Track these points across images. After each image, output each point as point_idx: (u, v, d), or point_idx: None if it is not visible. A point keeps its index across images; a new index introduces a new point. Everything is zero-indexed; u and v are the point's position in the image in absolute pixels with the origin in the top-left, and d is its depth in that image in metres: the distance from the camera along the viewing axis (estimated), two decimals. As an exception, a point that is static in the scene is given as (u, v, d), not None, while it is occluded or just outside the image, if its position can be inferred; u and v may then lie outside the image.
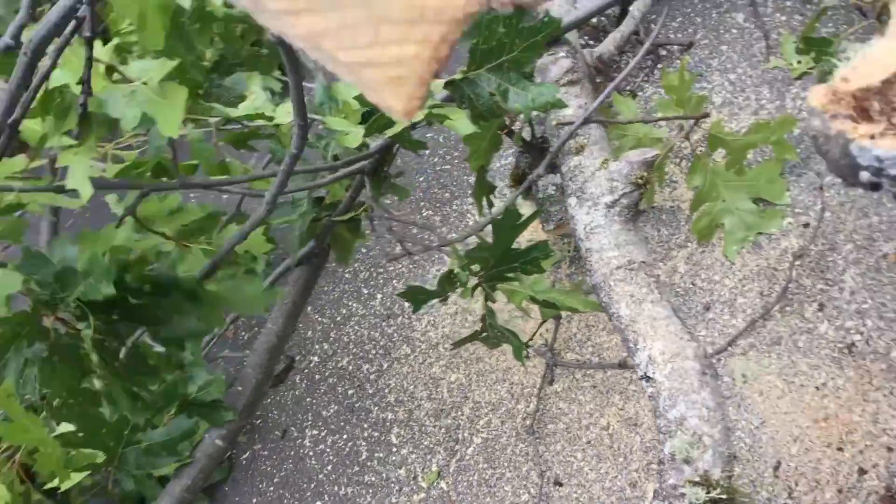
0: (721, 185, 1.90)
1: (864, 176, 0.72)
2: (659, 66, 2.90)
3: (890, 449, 1.86)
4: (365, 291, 3.12)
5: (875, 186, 0.72)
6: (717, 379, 1.65)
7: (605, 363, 2.34)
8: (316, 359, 3.08)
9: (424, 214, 3.10)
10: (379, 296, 3.08)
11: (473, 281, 1.75)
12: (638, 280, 1.62)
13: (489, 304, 1.85)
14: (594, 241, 1.65)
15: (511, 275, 1.76)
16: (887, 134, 0.73)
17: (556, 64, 1.69)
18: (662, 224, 2.51)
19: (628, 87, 2.95)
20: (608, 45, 2.33)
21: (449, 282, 1.76)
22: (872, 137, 0.73)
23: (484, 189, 1.99)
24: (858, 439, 1.93)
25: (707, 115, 1.95)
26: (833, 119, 0.78)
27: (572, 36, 1.85)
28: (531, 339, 2.30)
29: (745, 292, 2.26)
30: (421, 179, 3.25)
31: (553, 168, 1.74)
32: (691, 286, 2.35)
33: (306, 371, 3.09)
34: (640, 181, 1.59)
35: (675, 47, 2.91)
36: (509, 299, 1.84)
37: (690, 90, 1.88)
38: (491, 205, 2.12)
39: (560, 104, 1.60)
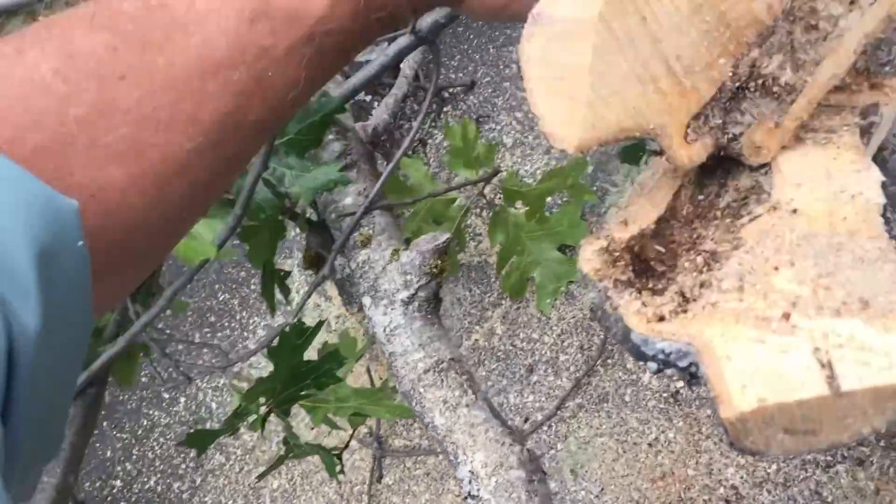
0: (524, 236, 1.78)
1: (652, 366, 0.59)
2: (445, 108, 2.79)
3: (727, 501, 1.83)
4: (166, 396, 2.76)
5: (667, 365, 0.59)
6: (546, 482, 1.52)
7: (434, 448, 2.19)
8: (119, 483, 2.68)
9: (221, 298, 2.80)
10: (182, 399, 2.73)
11: (263, 409, 1.54)
12: (449, 382, 1.46)
13: (289, 422, 1.63)
14: (396, 343, 1.47)
15: (306, 393, 1.56)
16: (678, 314, 0.59)
17: (324, 150, 1.50)
18: (473, 282, 2.39)
19: (417, 136, 2.82)
20: (381, 113, 2.09)
21: (237, 416, 1.53)
22: (662, 319, 0.59)
23: (272, 286, 1.77)
24: (696, 495, 1.87)
25: (497, 173, 1.83)
26: (612, 289, 0.64)
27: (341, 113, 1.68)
28: (347, 445, 2.07)
29: (566, 348, 2.19)
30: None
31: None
32: (511, 348, 2.25)
33: (109, 499, 2.71)
34: (435, 270, 1.44)
35: (459, 88, 2.82)
36: (310, 417, 1.63)
37: (476, 149, 1.76)
38: (288, 292, 1.91)
39: (344, 180, 1.43)
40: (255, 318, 2.53)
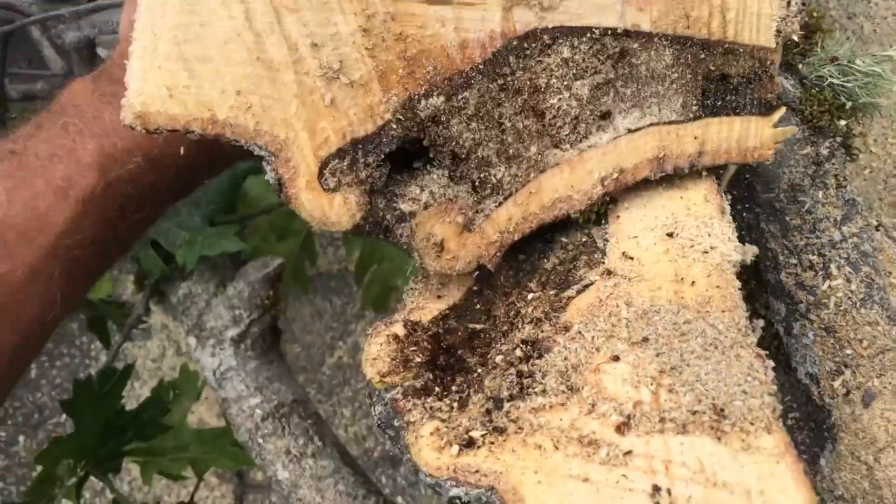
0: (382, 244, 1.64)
1: None
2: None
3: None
4: (2, 434, 2.48)
5: None
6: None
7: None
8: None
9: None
10: (21, 438, 2.46)
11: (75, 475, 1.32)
12: (292, 428, 1.28)
13: (112, 484, 1.42)
14: (229, 388, 1.28)
15: (130, 447, 1.36)
16: (491, 435, 0.42)
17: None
18: (333, 293, 2.15)
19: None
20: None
21: (42, 483, 1.31)
22: (470, 444, 0.42)
23: (102, 323, 1.55)
24: None
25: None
26: (403, 400, 0.46)
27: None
28: (192, 499, 1.81)
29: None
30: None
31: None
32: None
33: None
34: (267, 301, 1.26)
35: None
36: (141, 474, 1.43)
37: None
38: (122, 326, 1.69)
39: (238, 247, 1.26)
40: (98, 343, 2.28)
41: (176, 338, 2.19)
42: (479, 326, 0.51)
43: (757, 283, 0.98)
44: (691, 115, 0.55)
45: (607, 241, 0.53)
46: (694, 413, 0.40)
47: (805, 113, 0.84)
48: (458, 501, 0.40)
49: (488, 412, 0.43)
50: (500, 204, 0.53)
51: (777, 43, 0.59)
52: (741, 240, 0.79)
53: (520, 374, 0.45)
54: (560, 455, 0.40)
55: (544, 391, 0.43)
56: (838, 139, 0.84)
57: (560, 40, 0.49)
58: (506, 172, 0.52)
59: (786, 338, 0.86)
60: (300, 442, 1.24)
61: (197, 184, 0.64)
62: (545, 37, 0.49)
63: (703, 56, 0.53)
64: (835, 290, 0.82)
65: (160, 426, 1.25)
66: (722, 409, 0.40)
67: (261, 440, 1.24)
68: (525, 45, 0.49)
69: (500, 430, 0.42)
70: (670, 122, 0.55)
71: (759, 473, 0.37)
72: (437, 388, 0.46)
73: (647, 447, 0.39)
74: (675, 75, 0.53)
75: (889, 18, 1.41)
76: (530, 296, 0.52)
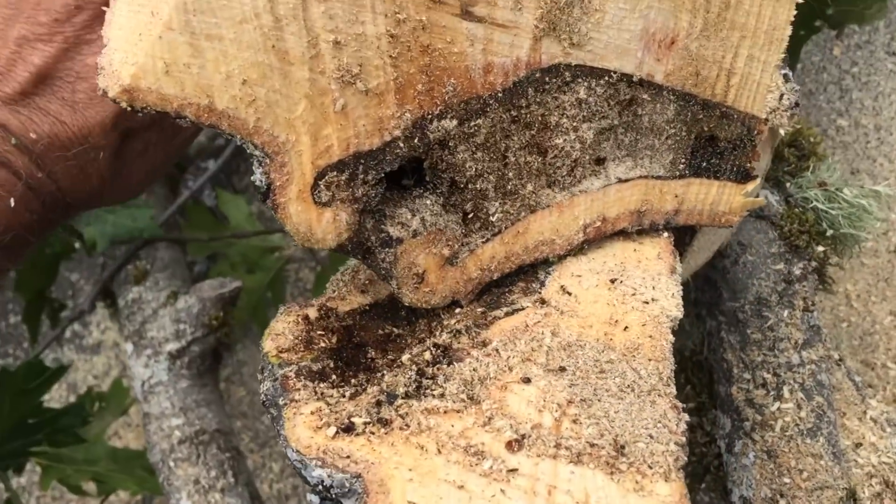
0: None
1: (314, 500, 0.40)
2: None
3: None
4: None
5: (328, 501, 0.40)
6: None
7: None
8: None
9: (12, 322, 2.46)
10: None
11: None
12: (208, 458, 1.23)
13: (9, 482, 1.35)
14: (154, 403, 1.22)
15: (37, 448, 1.30)
16: (373, 426, 0.39)
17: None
18: None
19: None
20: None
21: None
22: (349, 430, 0.39)
23: (38, 314, 1.51)
24: None
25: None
26: (293, 379, 0.42)
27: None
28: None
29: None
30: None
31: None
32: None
33: None
34: (215, 322, 1.23)
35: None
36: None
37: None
38: (56, 324, 1.64)
39: (157, 233, 1.22)
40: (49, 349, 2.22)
41: (124, 358, 2.13)
42: (396, 329, 0.48)
43: (709, 397, 0.95)
44: (677, 173, 0.54)
45: (549, 274, 0.52)
46: (592, 446, 0.38)
47: (784, 230, 0.83)
48: (320, 486, 0.37)
49: (378, 404, 0.40)
50: (487, 240, 0.50)
51: (766, 122, 0.60)
52: (701, 344, 0.77)
53: (420, 374, 0.42)
54: (441, 459, 0.37)
55: (443, 395, 0.41)
56: (813, 263, 0.83)
57: (580, 79, 0.47)
58: (499, 208, 0.50)
59: (726, 455, 0.83)
60: (212, 474, 1.18)
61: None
62: (567, 73, 0.47)
63: (701, 115, 0.52)
64: (783, 414, 0.80)
65: (75, 435, 1.19)
66: (622, 447, 0.37)
67: (172, 463, 1.18)
68: (546, 78, 0.46)
69: (385, 423, 0.39)
70: (657, 177, 0.54)
71: None
72: (333, 377, 0.43)
73: (535, 469, 0.37)
74: (673, 131, 0.53)
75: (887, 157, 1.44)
76: (457, 309, 0.50)
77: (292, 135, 0.40)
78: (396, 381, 0.42)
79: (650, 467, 0.36)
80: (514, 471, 0.36)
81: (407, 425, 0.39)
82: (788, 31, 0.52)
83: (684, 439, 0.38)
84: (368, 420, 0.39)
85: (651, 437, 0.38)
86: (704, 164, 0.54)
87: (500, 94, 0.45)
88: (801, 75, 1.61)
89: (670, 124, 0.52)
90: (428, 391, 0.41)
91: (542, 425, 0.39)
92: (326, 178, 0.42)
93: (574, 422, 0.39)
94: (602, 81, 0.48)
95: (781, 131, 0.64)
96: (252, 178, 0.41)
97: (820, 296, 1.40)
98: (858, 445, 0.84)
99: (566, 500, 0.35)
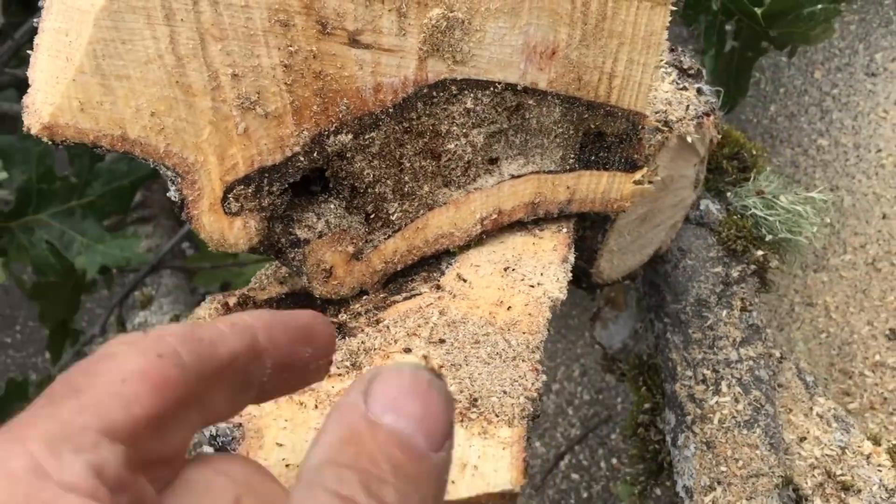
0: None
1: (209, 450, 0.45)
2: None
3: None
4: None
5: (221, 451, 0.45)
6: None
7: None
8: None
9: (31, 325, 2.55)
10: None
11: None
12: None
13: None
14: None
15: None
16: None
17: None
18: None
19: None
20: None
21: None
22: None
23: (61, 344, 1.59)
24: None
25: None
26: None
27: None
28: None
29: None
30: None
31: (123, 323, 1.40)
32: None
33: None
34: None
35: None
36: None
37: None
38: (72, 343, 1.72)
39: (144, 259, 1.28)
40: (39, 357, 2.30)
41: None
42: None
43: (662, 397, 0.99)
44: (567, 167, 0.58)
45: (451, 264, 0.57)
46: None
47: (722, 235, 0.88)
48: (210, 436, 0.43)
49: None
50: (389, 237, 0.54)
51: (668, 131, 0.64)
52: (655, 347, 0.82)
53: None
54: (316, 412, 0.43)
55: (334, 365, 0.47)
56: (752, 266, 0.88)
57: (466, 91, 0.51)
58: (398, 208, 0.54)
59: (671, 448, 0.87)
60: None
61: None
62: (453, 87, 0.51)
63: (586, 115, 0.56)
64: (721, 407, 0.83)
65: None
66: (476, 401, 0.43)
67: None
68: (434, 93, 0.50)
69: None
70: (549, 172, 0.58)
71: (483, 453, 0.39)
72: None
73: None
74: (560, 130, 0.56)
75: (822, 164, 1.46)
76: (364, 297, 0.56)
77: (200, 156, 0.45)
78: None
79: (497, 416, 0.42)
80: None
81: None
82: (664, 35, 0.55)
83: (536, 395, 0.43)
84: None
85: (504, 392, 0.43)
86: (593, 157, 0.59)
87: (391, 110, 0.49)
88: (783, 98, 1.65)
89: (557, 124, 0.56)
90: None
91: None
92: (234, 191, 0.47)
93: None
94: (488, 92, 0.53)
95: (689, 139, 0.70)
96: (168, 193, 0.46)
97: (799, 308, 1.43)
98: (803, 439, 0.87)
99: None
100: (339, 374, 0.45)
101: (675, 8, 0.56)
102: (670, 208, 0.80)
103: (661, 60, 0.58)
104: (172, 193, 0.46)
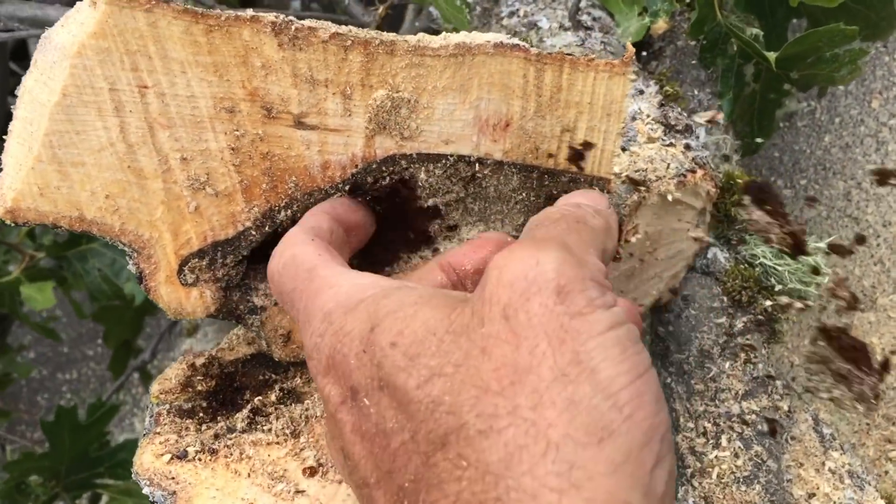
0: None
1: None
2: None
3: None
4: None
5: None
6: None
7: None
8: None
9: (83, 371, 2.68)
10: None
11: (47, 491, 1.41)
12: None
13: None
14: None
15: (101, 481, 1.44)
16: (205, 453, 0.48)
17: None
18: None
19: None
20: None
21: (20, 493, 1.41)
22: (178, 458, 0.47)
23: (124, 362, 1.68)
24: None
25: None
26: (164, 416, 0.50)
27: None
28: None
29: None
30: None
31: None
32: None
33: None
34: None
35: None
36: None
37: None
38: (149, 380, 1.81)
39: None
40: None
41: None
42: (274, 375, 0.56)
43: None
44: None
45: None
46: None
47: (727, 285, 0.86)
48: (150, 498, 0.46)
49: (217, 436, 0.49)
50: None
51: (645, 191, 0.64)
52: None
53: (254, 412, 0.50)
54: (248, 482, 0.45)
55: (270, 430, 0.49)
56: (759, 317, 0.86)
57: (416, 165, 0.52)
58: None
59: (672, 502, 0.85)
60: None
61: None
62: (403, 162, 0.51)
63: (547, 182, 0.56)
64: (720, 461, 0.82)
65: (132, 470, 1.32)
66: None
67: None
68: (383, 167, 0.51)
69: (213, 452, 0.47)
70: (512, 237, 0.59)
71: None
72: (201, 414, 0.52)
73: (321, 492, 0.44)
74: (520, 197, 0.56)
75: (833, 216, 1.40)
76: None
77: (155, 232, 0.48)
78: (237, 418, 0.50)
79: None
80: (301, 492, 0.43)
81: (231, 454, 0.46)
82: (626, 103, 0.55)
83: None
84: (200, 449, 0.47)
85: None
86: None
87: (340, 185, 0.51)
88: (838, 128, 1.59)
89: (516, 192, 0.56)
90: (259, 426, 0.49)
91: None
92: (189, 264, 0.49)
93: None
94: (440, 164, 0.53)
95: (669, 196, 0.69)
96: (127, 266, 0.50)
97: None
98: (812, 496, 0.85)
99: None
100: (278, 443, 0.47)
101: (633, 77, 0.56)
102: (666, 260, 0.79)
103: (624, 127, 0.57)
104: (131, 266, 0.49)
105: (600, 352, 0.32)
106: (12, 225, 0.45)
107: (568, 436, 0.30)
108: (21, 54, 1.64)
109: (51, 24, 0.46)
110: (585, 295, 0.33)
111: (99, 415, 1.23)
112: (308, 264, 0.41)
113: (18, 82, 0.45)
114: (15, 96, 0.46)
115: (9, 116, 0.46)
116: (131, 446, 1.30)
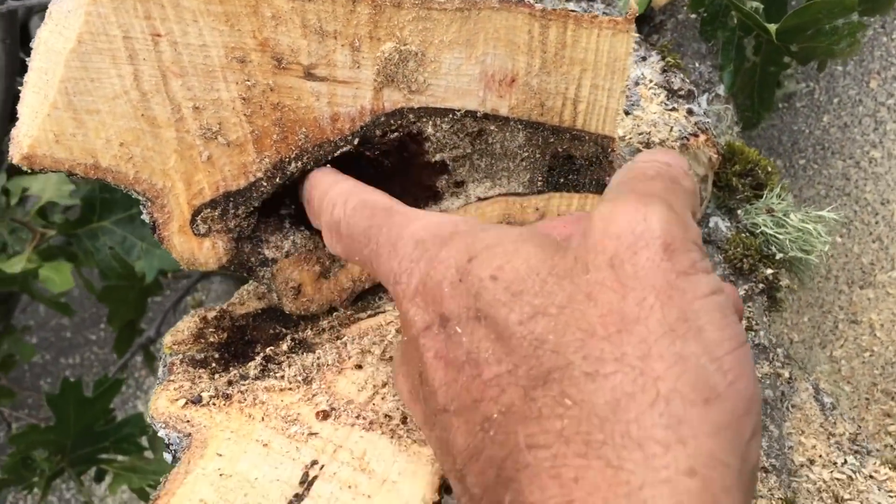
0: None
1: (167, 457, 0.49)
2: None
3: None
4: None
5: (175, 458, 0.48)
6: None
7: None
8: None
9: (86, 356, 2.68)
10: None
11: (52, 466, 1.42)
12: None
13: (84, 487, 1.50)
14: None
15: (106, 456, 1.45)
16: (219, 399, 0.48)
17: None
18: None
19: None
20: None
21: (26, 468, 1.42)
22: (193, 403, 0.48)
23: (128, 343, 1.68)
24: None
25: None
26: (178, 366, 0.51)
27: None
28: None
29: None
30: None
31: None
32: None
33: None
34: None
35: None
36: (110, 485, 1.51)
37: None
38: (154, 365, 1.81)
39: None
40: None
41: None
42: (284, 329, 0.57)
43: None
44: (536, 189, 0.58)
45: None
46: (387, 416, 0.45)
47: (728, 253, 0.87)
48: (166, 444, 0.47)
49: (230, 383, 0.49)
50: None
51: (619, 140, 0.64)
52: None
53: (266, 360, 0.51)
54: (262, 425, 0.45)
55: (282, 377, 0.49)
56: (760, 285, 0.87)
57: (424, 119, 0.52)
58: None
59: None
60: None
61: None
62: (410, 115, 0.52)
63: (552, 139, 0.56)
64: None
65: (137, 445, 1.33)
66: (405, 418, 0.45)
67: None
68: (391, 121, 0.52)
69: (227, 397, 0.48)
70: (517, 194, 0.58)
71: (403, 469, 0.41)
72: (213, 364, 0.52)
73: (333, 433, 0.44)
74: (526, 154, 0.57)
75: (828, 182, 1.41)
76: (334, 312, 0.58)
77: (168, 182, 0.48)
78: (250, 366, 0.51)
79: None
80: (314, 434, 0.44)
81: (244, 399, 0.47)
82: (629, 60, 0.55)
83: None
84: (214, 394, 0.48)
85: None
86: (563, 180, 0.59)
87: (349, 137, 0.51)
88: (837, 108, 1.60)
89: (522, 148, 0.57)
90: (271, 373, 0.49)
91: (354, 401, 0.46)
92: (202, 214, 0.50)
93: (382, 398, 0.46)
94: (447, 119, 0.54)
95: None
96: (141, 216, 0.50)
97: (843, 326, 1.39)
98: (812, 462, 0.86)
99: (345, 456, 0.43)
100: (290, 389, 0.48)
101: (637, 35, 0.57)
102: (668, 227, 0.80)
103: (627, 85, 0.58)
104: (145, 216, 0.49)
105: (705, 314, 0.32)
106: (29, 171, 0.45)
107: (676, 391, 0.30)
108: (23, 39, 1.64)
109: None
110: (689, 256, 0.33)
111: (104, 389, 1.24)
112: (383, 204, 0.43)
113: (23, 65, 0.45)
114: (22, 77, 0.47)
115: (17, 97, 0.47)
116: (136, 420, 1.31)
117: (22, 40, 1.49)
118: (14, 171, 1.42)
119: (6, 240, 1.30)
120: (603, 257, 0.33)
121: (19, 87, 0.46)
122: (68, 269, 1.29)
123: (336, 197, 0.45)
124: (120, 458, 1.36)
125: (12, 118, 0.47)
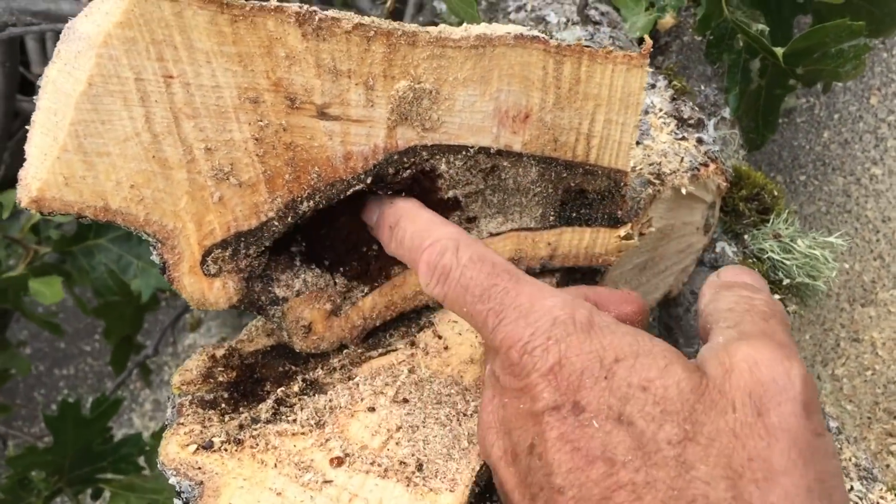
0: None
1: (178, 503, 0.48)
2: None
3: None
4: None
5: None
6: None
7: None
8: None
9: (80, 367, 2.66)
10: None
11: (50, 486, 1.40)
12: None
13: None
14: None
15: (103, 476, 1.44)
16: (230, 444, 0.47)
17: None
18: None
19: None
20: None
21: (23, 489, 1.40)
22: (204, 448, 0.47)
23: (125, 356, 1.67)
24: None
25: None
26: (186, 406, 0.50)
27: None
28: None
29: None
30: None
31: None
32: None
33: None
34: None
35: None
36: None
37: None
38: (148, 374, 1.80)
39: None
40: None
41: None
42: (294, 367, 0.56)
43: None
44: (548, 224, 0.58)
45: (430, 319, 0.58)
46: (402, 463, 0.44)
47: (735, 279, 0.86)
48: (177, 491, 0.46)
49: (241, 427, 0.49)
50: (367, 294, 0.55)
51: (660, 184, 0.64)
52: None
53: (278, 402, 0.50)
54: (274, 472, 0.45)
55: (295, 420, 0.48)
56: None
57: (437, 156, 0.52)
58: (375, 266, 0.55)
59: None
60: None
61: None
62: (424, 153, 0.51)
63: (565, 174, 0.56)
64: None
65: (135, 464, 1.32)
66: (421, 465, 0.44)
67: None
68: (405, 159, 0.51)
69: (238, 442, 0.47)
70: (529, 229, 0.57)
71: None
72: (223, 405, 0.52)
73: (348, 481, 0.44)
74: (538, 189, 0.56)
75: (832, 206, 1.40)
76: (345, 350, 0.57)
77: (179, 223, 0.47)
78: (261, 409, 0.50)
79: (441, 482, 0.43)
80: (328, 482, 0.43)
81: (256, 444, 0.46)
82: (642, 95, 0.55)
83: (482, 461, 0.44)
84: (226, 439, 0.47)
85: (450, 457, 0.44)
86: (574, 214, 0.58)
87: (362, 176, 0.50)
88: (837, 124, 1.60)
89: (535, 184, 0.56)
90: (283, 417, 0.49)
91: (368, 446, 0.46)
92: (213, 254, 0.49)
93: (396, 443, 0.46)
94: (460, 155, 0.53)
95: (683, 191, 0.69)
96: (151, 257, 0.49)
97: (845, 344, 1.38)
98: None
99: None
100: (303, 433, 0.47)
101: (650, 69, 0.56)
102: (676, 254, 0.79)
103: (640, 119, 0.57)
104: (154, 257, 0.48)
105: (833, 478, 0.36)
106: (38, 215, 0.44)
107: None
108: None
109: (64, 18, 0.45)
110: (820, 417, 0.37)
111: (102, 409, 1.23)
112: (504, 266, 0.44)
113: (23, 80, 0.44)
114: (24, 93, 0.45)
115: (17, 112, 0.45)
116: (134, 441, 1.29)
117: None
118: (5, 184, 1.41)
119: (-1, 256, 1.28)
120: (748, 400, 0.36)
121: (17, 105, 0.45)
122: (58, 281, 1.27)
123: (446, 241, 0.45)
124: (117, 478, 1.34)
125: (9, 137, 0.46)
